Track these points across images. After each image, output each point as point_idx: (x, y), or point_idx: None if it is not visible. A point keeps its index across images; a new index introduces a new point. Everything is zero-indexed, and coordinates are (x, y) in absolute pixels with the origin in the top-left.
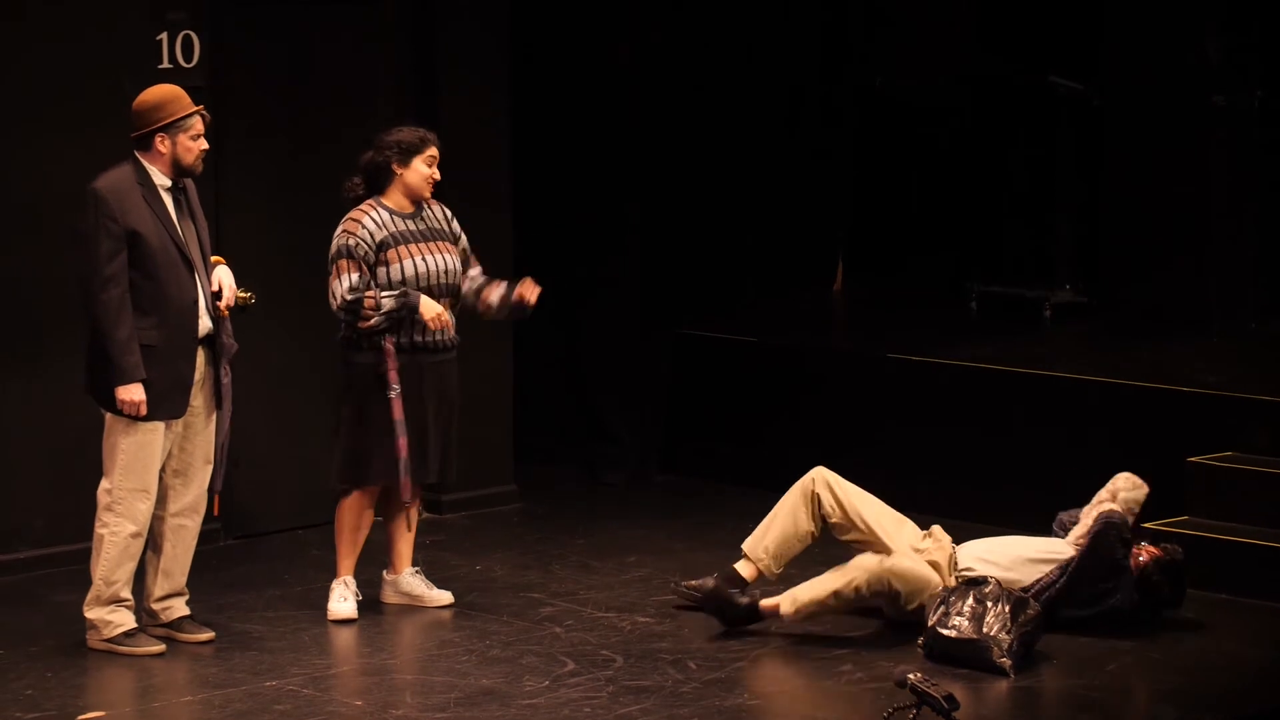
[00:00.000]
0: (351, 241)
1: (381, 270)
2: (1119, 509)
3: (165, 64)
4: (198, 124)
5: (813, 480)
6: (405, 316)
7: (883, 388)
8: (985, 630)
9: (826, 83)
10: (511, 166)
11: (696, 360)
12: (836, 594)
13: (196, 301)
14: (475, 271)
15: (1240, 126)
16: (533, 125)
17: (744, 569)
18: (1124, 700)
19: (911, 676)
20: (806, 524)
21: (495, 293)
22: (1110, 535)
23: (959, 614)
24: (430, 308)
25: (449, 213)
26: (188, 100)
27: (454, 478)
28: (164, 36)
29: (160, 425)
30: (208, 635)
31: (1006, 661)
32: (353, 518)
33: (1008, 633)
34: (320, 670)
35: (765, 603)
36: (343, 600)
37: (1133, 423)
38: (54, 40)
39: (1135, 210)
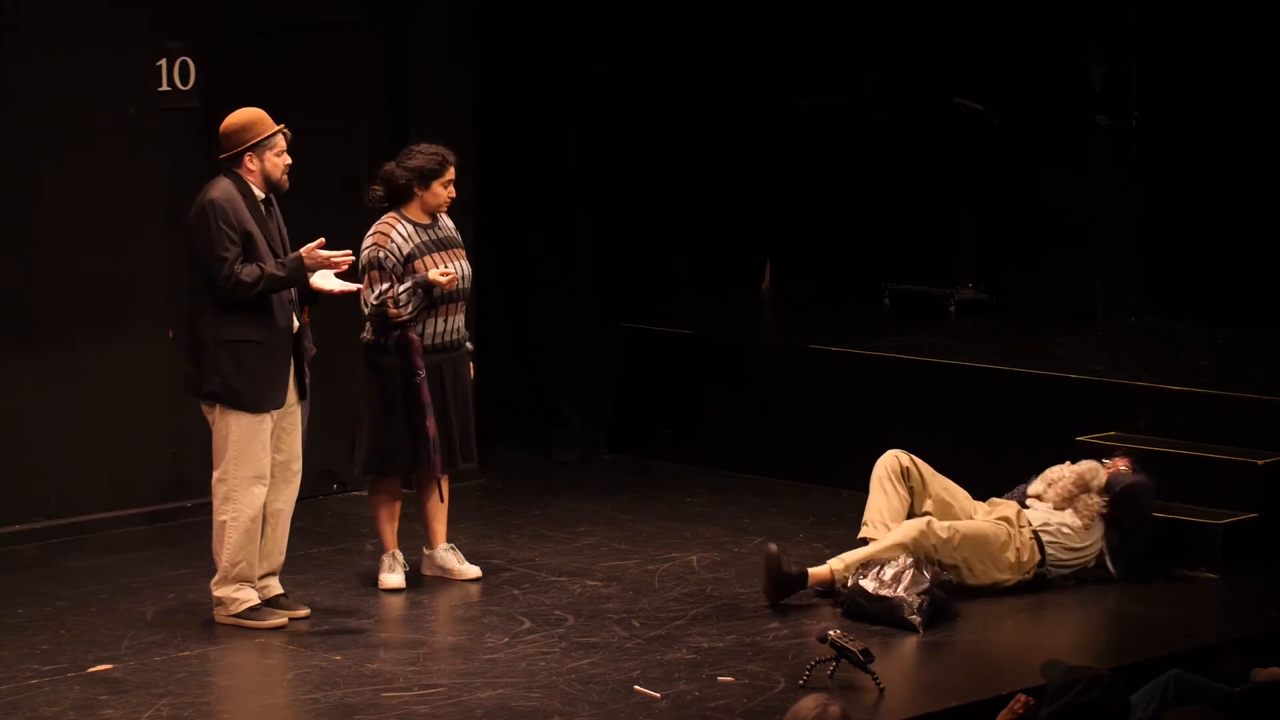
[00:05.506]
0: (382, 254)
1: (414, 279)
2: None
3: (164, 86)
4: (281, 141)
5: (895, 458)
6: (422, 295)
7: (806, 376)
8: (898, 591)
9: (756, 104)
10: (474, 176)
11: (640, 352)
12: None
13: (291, 300)
14: None
15: (1121, 143)
16: (495, 139)
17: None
18: (1019, 653)
19: (832, 633)
20: (902, 493)
21: None
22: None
23: (876, 577)
24: (437, 275)
25: (453, 224)
26: (270, 121)
27: (475, 460)
28: (163, 62)
29: (267, 416)
30: (304, 611)
31: (917, 619)
32: (382, 501)
33: (918, 594)
34: (303, 629)
35: (814, 570)
36: (390, 571)
37: (1027, 406)
38: (64, 64)
39: (1029, 217)
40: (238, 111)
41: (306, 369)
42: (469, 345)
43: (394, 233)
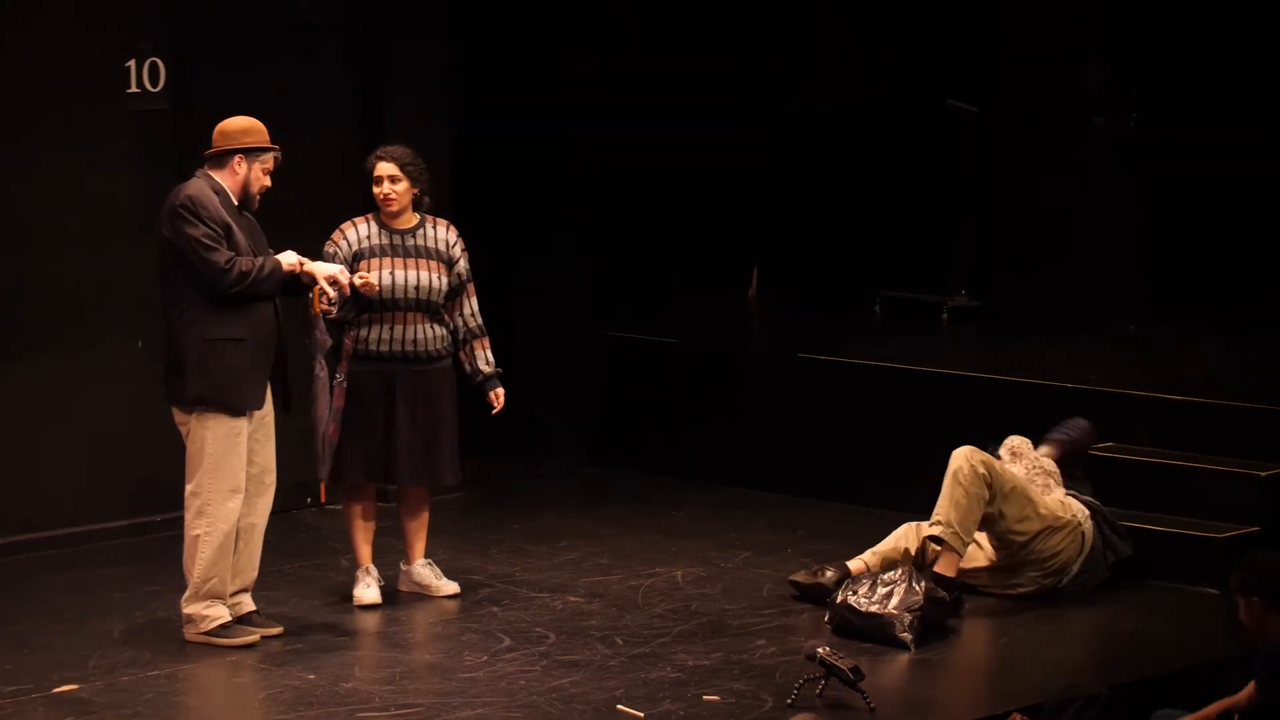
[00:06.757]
0: (330, 250)
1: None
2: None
3: (133, 88)
4: (273, 160)
5: (911, 523)
6: (348, 297)
7: (794, 385)
8: (889, 607)
9: (745, 107)
10: (454, 179)
11: (623, 360)
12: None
13: (273, 299)
14: (474, 324)
15: (1118, 146)
16: (475, 141)
17: (851, 563)
18: (1013, 671)
19: (821, 650)
20: (906, 542)
21: (470, 359)
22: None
23: (866, 594)
24: (354, 278)
25: (454, 239)
26: (268, 137)
27: (455, 480)
28: (132, 64)
29: (244, 422)
30: (277, 630)
31: (908, 636)
32: (351, 511)
33: (910, 610)
34: (276, 646)
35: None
36: (366, 587)
37: (1022, 416)
38: (29, 66)
39: (1024, 222)
40: (240, 116)
41: (321, 362)
42: (487, 368)
43: (350, 231)
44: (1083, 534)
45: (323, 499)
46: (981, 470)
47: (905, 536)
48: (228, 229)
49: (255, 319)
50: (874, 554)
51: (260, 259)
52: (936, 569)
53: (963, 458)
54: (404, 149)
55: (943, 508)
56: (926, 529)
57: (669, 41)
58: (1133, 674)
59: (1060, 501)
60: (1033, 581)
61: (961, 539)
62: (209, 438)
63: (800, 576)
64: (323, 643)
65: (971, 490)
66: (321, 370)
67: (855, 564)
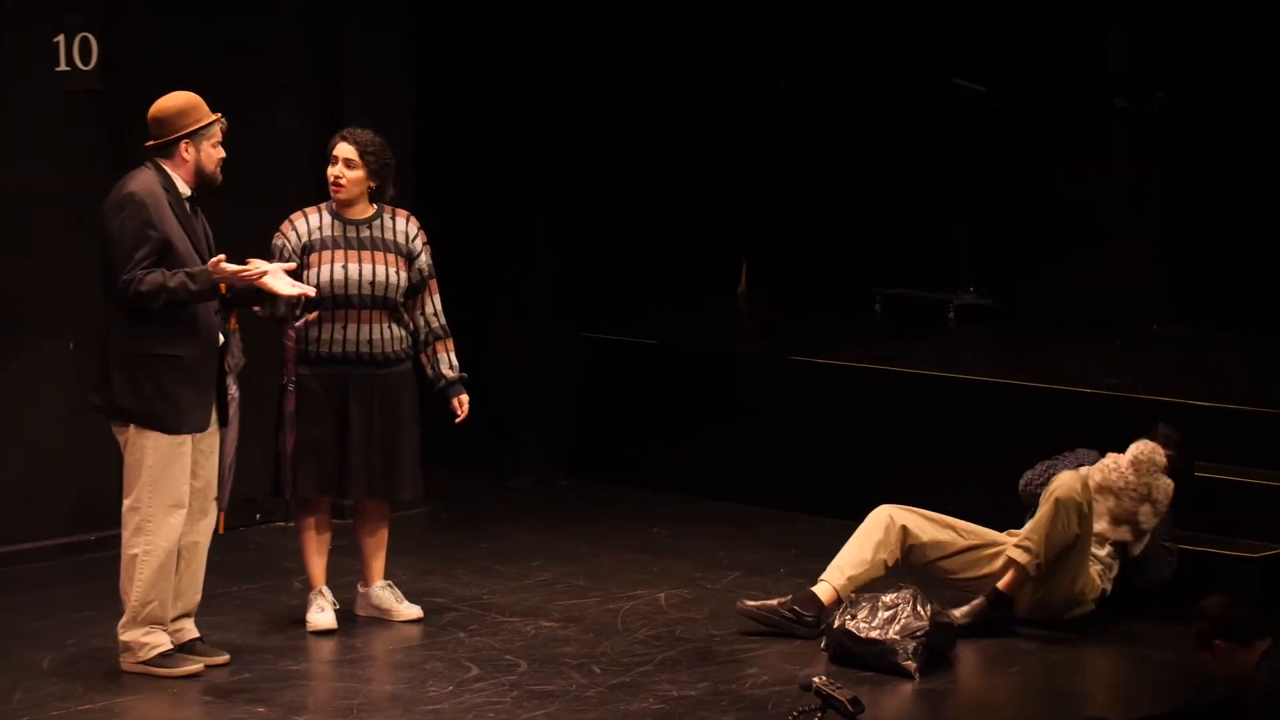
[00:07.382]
0: (279, 242)
1: (307, 274)
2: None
3: (63, 66)
4: (218, 131)
5: (890, 516)
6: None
7: (787, 390)
8: (891, 633)
9: (734, 90)
10: (414, 167)
11: (602, 364)
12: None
13: (217, 311)
14: (436, 324)
15: (1141, 129)
16: (442, 129)
17: (821, 592)
18: (1025, 702)
19: (817, 680)
20: (885, 553)
21: (432, 362)
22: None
23: (866, 618)
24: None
25: (415, 231)
26: (207, 108)
27: (416, 494)
28: (61, 39)
29: (188, 439)
30: (223, 658)
31: (911, 664)
32: (304, 529)
33: (913, 636)
34: (222, 676)
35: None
36: (320, 611)
37: (1033, 423)
38: None
39: (1038, 213)
40: (172, 95)
41: (233, 388)
42: (450, 373)
43: (300, 222)
44: (1093, 603)
45: (220, 529)
46: (1086, 510)
47: (884, 545)
48: (165, 242)
49: (199, 332)
50: (849, 578)
51: (181, 275)
52: (1000, 585)
53: (1072, 489)
54: (371, 135)
55: (1037, 534)
56: (1012, 547)
57: (652, 22)
58: (1159, 706)
59: (1095, 576)
60: (1047, 611)
61: (1042, 569)
62: (149, 449)
63: (758, 608)
64: (273, 672)
65: (1071, 527)
66: (236, 390)
67: (824, 591)
